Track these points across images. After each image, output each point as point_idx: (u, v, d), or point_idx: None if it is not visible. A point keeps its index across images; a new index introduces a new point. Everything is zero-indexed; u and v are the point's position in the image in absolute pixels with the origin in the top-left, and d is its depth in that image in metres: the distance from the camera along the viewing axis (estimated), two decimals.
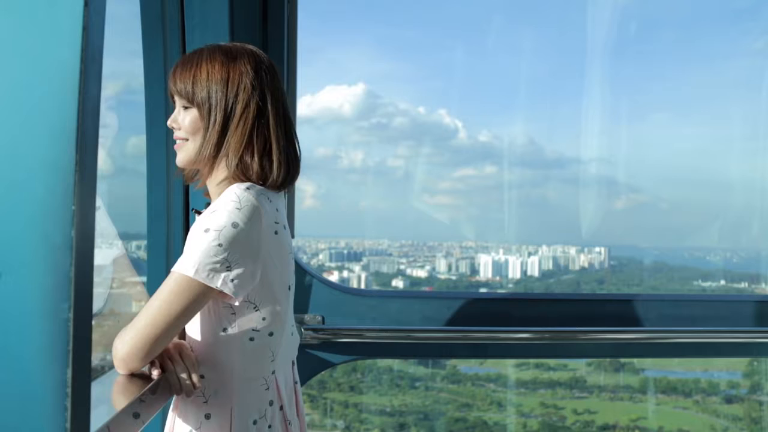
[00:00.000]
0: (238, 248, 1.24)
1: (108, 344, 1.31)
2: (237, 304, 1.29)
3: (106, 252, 2.07)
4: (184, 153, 1.39)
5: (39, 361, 0.77)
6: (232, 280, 1.24)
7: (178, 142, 1.41)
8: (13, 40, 0.79)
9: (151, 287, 2.09)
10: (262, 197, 1.30)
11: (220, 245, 1.22)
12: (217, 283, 1.22)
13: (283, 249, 1.36)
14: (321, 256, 5.52)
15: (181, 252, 1.46)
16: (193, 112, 1.37)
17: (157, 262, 2.11)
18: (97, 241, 0.86)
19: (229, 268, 1.23)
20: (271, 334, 1.35)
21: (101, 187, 0.88)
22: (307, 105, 6.29)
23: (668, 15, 6.16)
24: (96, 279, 0.87)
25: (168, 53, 2.07)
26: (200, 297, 1.24)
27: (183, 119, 1.38)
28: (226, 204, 1.26)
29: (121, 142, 2.43)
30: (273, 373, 1.37)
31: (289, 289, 1.41)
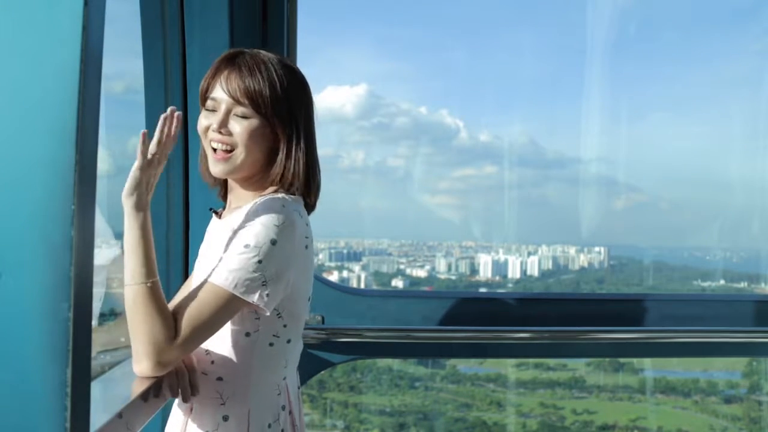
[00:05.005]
0: (275, 264, 1.24)
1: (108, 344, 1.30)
2: (267, 314, 1.29)
3: (106, 252, 2.07)
4: (231, 165, 1.31)
5: (39, 361, 0.77)
6: (268, 295, 1.25)
7: (220, 150, 1.31)
8: (13, 40, 0.79)
9: None
10: (296, 213, 1.31)
11: (259, 262, 1.22)
12: (254, 298, 1.23)
13: (310, 262, 1.37)
14: (321, 256, 5.51)
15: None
16: (253, 122, 1.29)
17: (156, 262, 2.10)
18: (97, 241, 0.86)
19: (265, 284, 1.24)
20: (288, 341, 1.37)
21: (101, 186, 0.88)
22: None
23: (668, 15, 6.16)
24: (96, 279, 0.87)
25: (168, 53, 2.07)
26: (234, 309, 1.25)
27: (234, 126, 1.30)
28: (264, 219, 1.25)
29: (121, 142, 2.42)
30: (284, 379, 1.39)
31: (309, 300, 1.42)
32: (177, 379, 1.28)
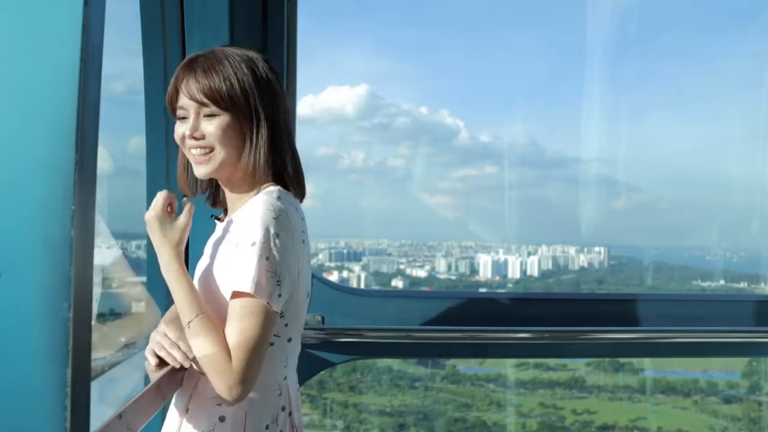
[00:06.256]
0: (282, 259, 1.24)
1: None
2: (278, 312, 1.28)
3: (106, 252, 2.07)
4: (212, 164, 1.32)
5: (39, 361, 0.77)
6: (280, 296, 1.25)
7: (198, 154, 1.32)
8: (13, 40, 0.79)
9: (151, 287, 2.09)
10: (291, 207, 1.31)
11: (267, 258, 1.22)
12: (272, 298, 1.23)
13: (307, 257, 1.37)
14: (321, 256, 5.51)
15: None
16: (223, 119, 1.30)
17: (157, 262, 2.10)
18: (97, 240, 0.86)
19: (279, 284, 1.24)
20: (289, 340, 1.36)
21: (101, 186, 0.88)
22: (309, 105, 6.30)
23: (668, 15, 6.16)
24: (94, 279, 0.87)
25: (168, 53, 2.07)
26: (263, 307, 1.23)
27: (206, 127, 1.30)
28: (262, 214, 1.25)
29: (121, 142, 2.42)
30: (285, 378, 1.38)
31: (308, 296, 1.42)
32: (168, 351, 1.31)
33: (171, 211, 1.33)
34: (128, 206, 2.32)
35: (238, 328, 1.22)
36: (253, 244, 1.22)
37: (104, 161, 2.22)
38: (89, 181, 0.81)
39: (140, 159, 2.13)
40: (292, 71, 2.25)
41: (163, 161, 2.09)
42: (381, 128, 7.10)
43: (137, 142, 2.17)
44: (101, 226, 1.98)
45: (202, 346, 1.23)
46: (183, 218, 1.33)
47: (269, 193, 1.31)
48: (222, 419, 1.31)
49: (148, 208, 1.35)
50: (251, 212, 1.26)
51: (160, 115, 2.06)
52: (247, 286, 1.21)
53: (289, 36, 2.20)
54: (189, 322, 1.25)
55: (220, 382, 1.21)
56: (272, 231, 1.23)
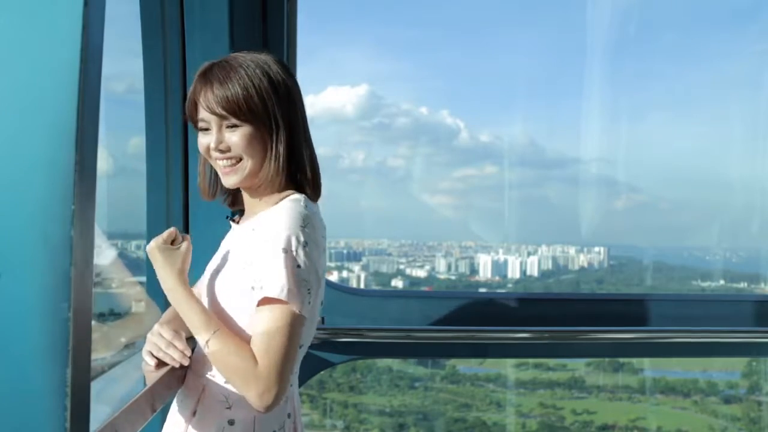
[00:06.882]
0: (312, 267, 1.25)
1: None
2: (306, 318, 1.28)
3: (106, 252, 2.07)
4: (241, 174, 1.32)
5: (39, 361, 0.77)
6: (309, 303, 1.26)
7: (226, 165, 1.32)
8: (13, 39, 0.79)
9: (151, 287, 2.09)
10: (315, 215, 1.33)
11: (299, 266, 1.23)
12: (301, 306, 1.23)
13: (324, 265, 1.38)
14: None
15: None
16: (245, 129, 1.30)
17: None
18: (96, 240, 0.86)
19: (309, 291, 1.25)
20: (300, 347, 1.35)
21: (101, 186, 0.87)
22: (309, 105, 6.31)
23: (668, 15, 6.16)
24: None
25: (168, 53, 2.07)
26: (292, 313, 1.23)
27: (231, 138, 1.30)
28: (292, 222, 1.25)
29: (121, 142, 2.42)
30: (291, 385, 1.38)
31: (321, 303, 1.42)
32: (164, 351, 1.31)
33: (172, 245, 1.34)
34: (128, 206, 2.32)
35: (269, 333, 1.22)
36: (285, 251, 1.22)
37: (104, 161, 2.21)
38: (89, 181, 0.81)
39: (140, 159, 2.13)
40: (292, 71, 2.25)
41: (163, 161, 2.09)
42: (381, 128, 7.11)
43: (137, 142, 2.17)
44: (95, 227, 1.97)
45: (225, 360, 1.23)
46: (184, 246, 1.34)
47: (296, 201, 1.32)
48: (231, 423, 1.31)
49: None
50: (278, 220, 1.27)
51: (160, 115, 2.06)
52: (281, 293, 1.21)
53: (289, 36, 2.20)
54: (207, 340, 1.25)
55: (250, 390, 1.20)
56: (302, 239, 1.24)
